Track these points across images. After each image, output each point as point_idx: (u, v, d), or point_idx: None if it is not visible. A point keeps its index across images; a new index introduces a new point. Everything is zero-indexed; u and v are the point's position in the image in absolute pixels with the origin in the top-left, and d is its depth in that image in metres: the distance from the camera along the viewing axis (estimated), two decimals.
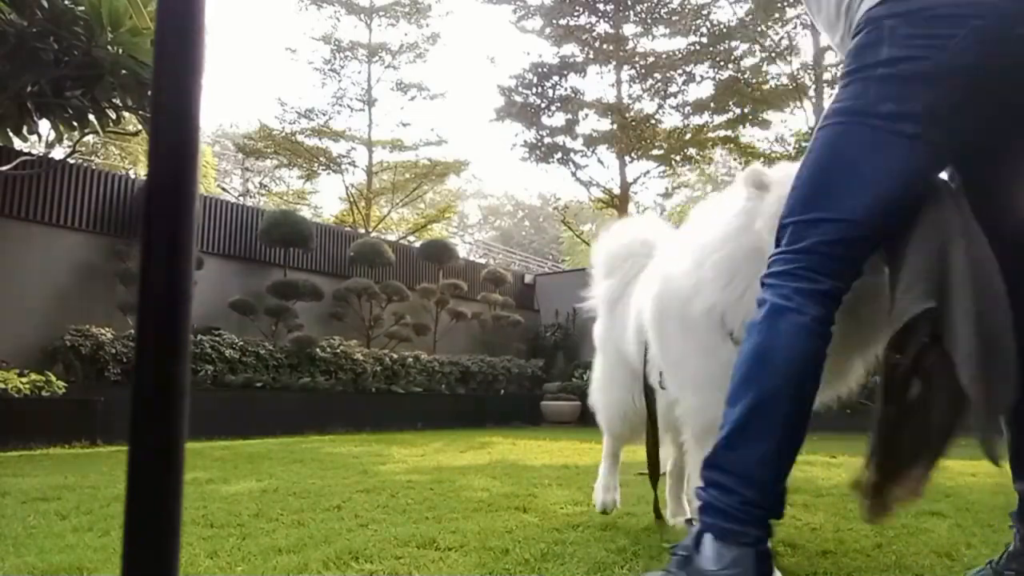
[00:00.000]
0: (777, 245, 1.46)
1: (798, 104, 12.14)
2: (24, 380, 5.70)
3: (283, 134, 16.07)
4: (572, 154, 13.88)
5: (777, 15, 11.82)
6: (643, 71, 13.50)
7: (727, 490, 1.35)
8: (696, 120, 13.22)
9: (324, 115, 16.69)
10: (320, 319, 9.63)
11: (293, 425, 7.47)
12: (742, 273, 1.61)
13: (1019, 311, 1.40)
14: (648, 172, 13.93)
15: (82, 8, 4.69)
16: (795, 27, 11.78)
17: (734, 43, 12.53)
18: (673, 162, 13.71)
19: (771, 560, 1.36)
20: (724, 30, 12.43)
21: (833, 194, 1.42)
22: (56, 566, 1.72)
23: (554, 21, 13.65)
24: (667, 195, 15.41)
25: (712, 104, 12.88)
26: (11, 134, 5.34)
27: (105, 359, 6.59)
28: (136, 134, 7.93)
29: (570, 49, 13.90)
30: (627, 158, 13.63)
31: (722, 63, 12.71)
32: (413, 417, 9.17)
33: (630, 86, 13.82)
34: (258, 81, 53.07)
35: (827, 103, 9.76)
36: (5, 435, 5.21)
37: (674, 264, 1.82)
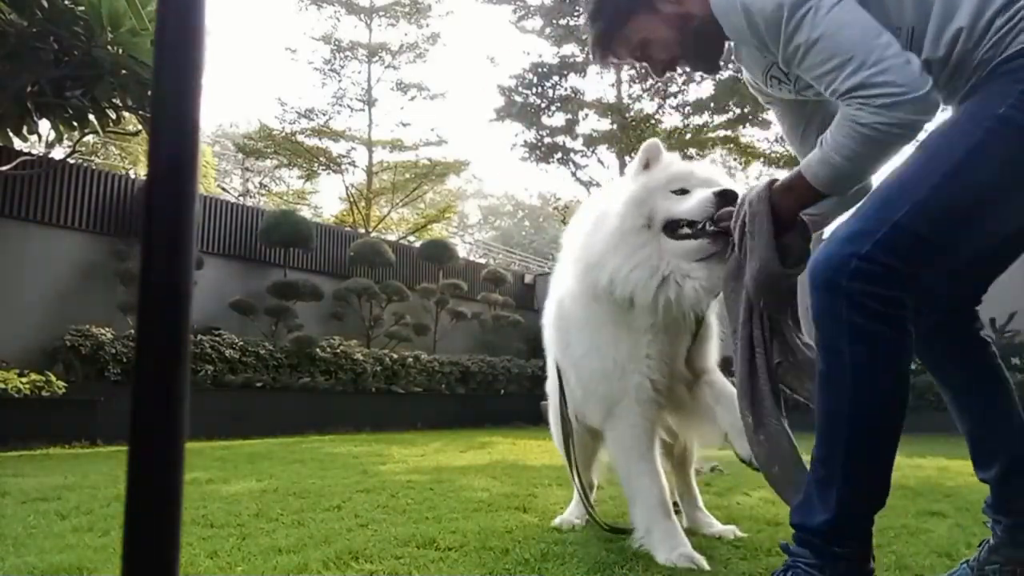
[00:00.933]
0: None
1: None
2: (24, 380, 5.70)
3: (283, 134, 16.07)
4: (572, 154, 13.87)
5: None
6: (643, 71, 13.50)
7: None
8: (696, 120, 13.22)
9: (324, 115, 16.68)
10: (320, 319, 9.63)
11: (293, 425, 7.47)
12: (629, 243, 1.77)
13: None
14: None
15: (82, 8, 4.68)
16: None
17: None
18: None
19: None
20: None
21: (974, 220, 1.22)
22: (56, 566, 1.72)
23: (554, 21, 13.64)
24: None
25: (712, 104, 12.87)
26: (11, 134, 5.34)
27: (105, 359, 6.59)
28: (136, 134, 7.93)
29: (570, 49, 13.89)
30: (627, 158, 13.62)
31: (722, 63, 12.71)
32: (413, 417, 9.17)
33: (630, 86, 13.81)
34: (258, 81, 53.03)
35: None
36: (5, 435, 5.21)
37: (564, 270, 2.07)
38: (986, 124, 1.20)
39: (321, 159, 16.48)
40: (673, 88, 13.43)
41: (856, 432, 1.24)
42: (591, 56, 1.68)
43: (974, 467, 1.51)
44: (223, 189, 24.44)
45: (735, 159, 13.84)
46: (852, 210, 1.38)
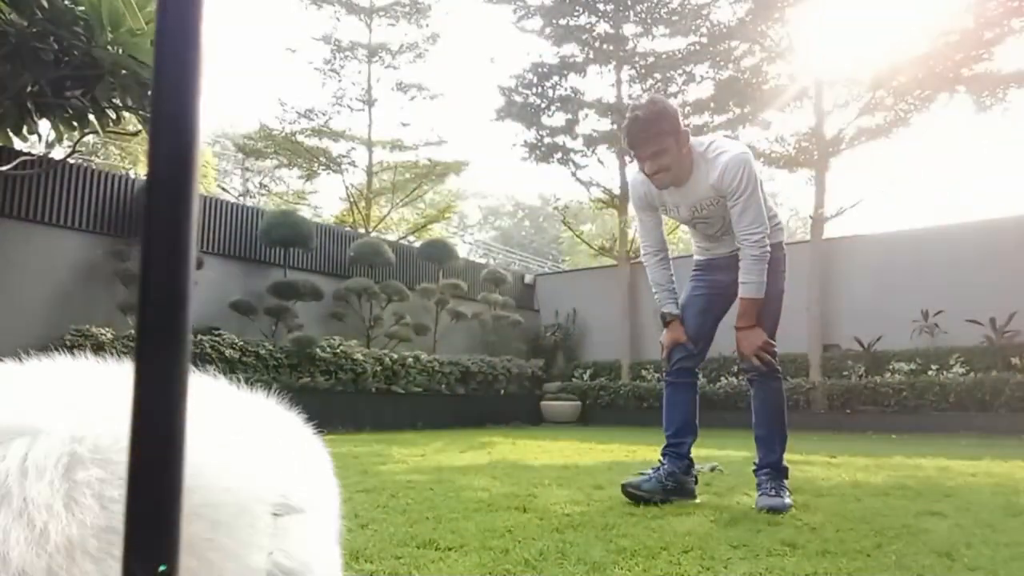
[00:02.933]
0: None
1: (798, 104, 12.14)
2: None
3: (283, 134, 16.08)
4: (572, 154, 13.85)
5: (777, 15, 11.81)
6: (643, 71, 13.48)
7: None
8: (696, 120, 13.22)
9: (324, 115, 16.68)
10: (320, 319, 9.63)
11: None
12: None
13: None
14: None
15: (82, 8, 4.68)
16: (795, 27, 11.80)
17: (734, 43, 12.52)
18: None
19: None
20: (724, 30, 12.42)
21: None
22: None
23: (554, 21, 13.63)
24: None
25: (712, 104, 12.86)
26: (11, 134, 5.34)
27: (105, 359, 6.59)
28: (136, 134, 7.93)
29: (570, 49, 13.87)
30: (627, 158, 13.62)
31: (722, 63, 12.70)
32: (413, 417, 9.17)
33: (630, 86, 13.80)
34: (258, 81, 52.98)
35: (828, 103, 9.61)
36: None
37: None
38: (777, 285, 2.94)
39: (321, 159, 16.48)
40: (673, 88, 13.42)
41: (781, 414, 2.87)
42: (627, 139, 2.74)
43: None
44: (223, 189, 24.44)
45: None
46: None
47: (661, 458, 2.87)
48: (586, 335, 12.90)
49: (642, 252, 3.06)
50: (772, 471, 2.70)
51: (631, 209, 13.79)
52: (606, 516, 2.39)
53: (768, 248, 2.67)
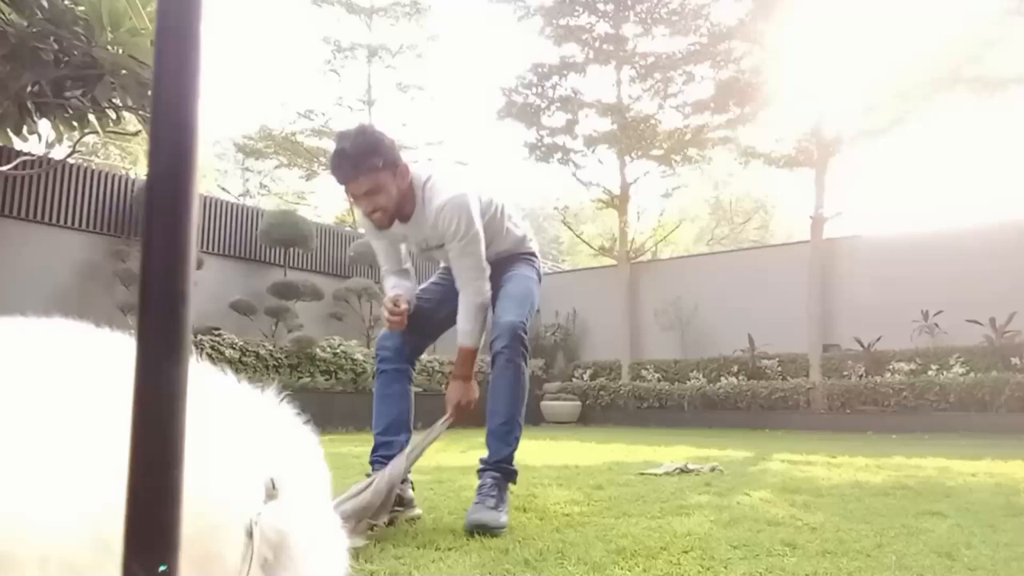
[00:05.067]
0: None
1: (798, 104, 12.14)
2: None
3: (283, 134, 16.08)
4: (572, 154, 13.85)
5: (777, 15, 11.81)
6: (643, 71, 13.48)
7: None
8: (696, 120, 13.22)
9: (324, 115, 16.69)
10: (320, 319, 9.63)
11: None
12: None
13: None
14: (648, 172, 13.92)
15: (82, 8, 4.68)
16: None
17: (734, 43, 12.52)
18: (673, 162, 13.71)
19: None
20: (724, 30, 12.43)
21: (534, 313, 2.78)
22: None
23: (554, 21, 13.63)
24: (667, 195, 15.38)
25: (712, 104, 12.86)
26: (11, 134, 5.34)
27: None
28: (136, 134, 7.93)
29: (570, 49, 13.88)
30: (627, 158, 13.62)
31: (722, 63, 12.71)
32: (413, 417, 9.16)
33: (630, 86, 13.81)
34: (258, 81, 52.97)
35: (827, 103, 9.56)
36: None
37: None
38: (533, 277, 2.72)
39: (321, 159, 16.49)
40: (673, 88, 13.42)
41: (523, 403, 2.63)
42: (336, 176, 2.39)
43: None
44: (223, 189, 24.44)
45: (735, 159, 13.83)
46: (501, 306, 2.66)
47: (371, 467, 2.50)
48: (586, 335, 12.90)
49: (382, 270, 2.79)
50: (501, 475, 2.41)
51: (630, 208, 13.83)
52: (606, 516, 2.39)
53: (488, 296, 2.56)
